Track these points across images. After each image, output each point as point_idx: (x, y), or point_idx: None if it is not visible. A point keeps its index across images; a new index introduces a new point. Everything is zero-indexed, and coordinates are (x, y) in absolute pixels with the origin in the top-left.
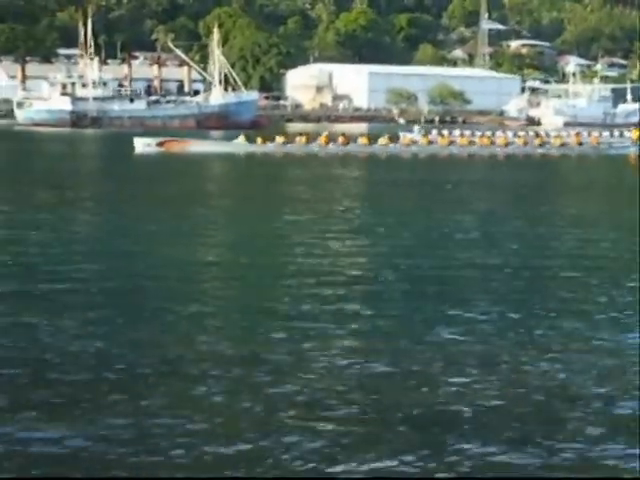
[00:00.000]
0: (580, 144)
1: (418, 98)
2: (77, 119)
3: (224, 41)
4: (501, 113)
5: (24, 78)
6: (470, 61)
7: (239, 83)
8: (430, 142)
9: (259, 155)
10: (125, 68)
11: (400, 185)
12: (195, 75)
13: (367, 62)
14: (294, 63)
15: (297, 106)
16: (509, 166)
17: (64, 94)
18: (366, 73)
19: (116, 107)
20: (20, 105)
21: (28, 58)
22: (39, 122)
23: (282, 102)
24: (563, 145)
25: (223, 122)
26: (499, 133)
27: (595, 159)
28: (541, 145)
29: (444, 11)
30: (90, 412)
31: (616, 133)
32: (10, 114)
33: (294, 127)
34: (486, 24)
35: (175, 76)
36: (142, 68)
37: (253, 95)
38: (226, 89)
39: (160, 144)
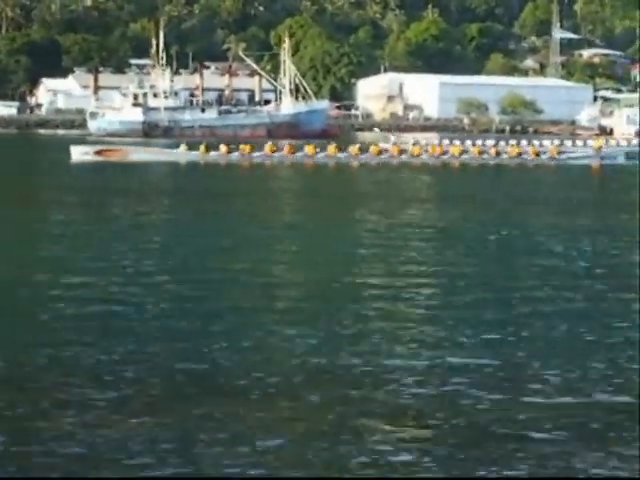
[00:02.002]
0: None
1: (489, 108)
2: (149, 129)
3: (295, 51)
4: (573, 122)
5: (97, 88)
6: (541, 70)
7: (310, 92)
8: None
9: (201, 164)
10: (197, 78)
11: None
12: (266, 85)
13: (438, 72)
14: (365, 73)
15: (368, 116)
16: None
17: (136, 104)
18: (437, 83)
19: (187, 117)
20: (93, 115)
21: (101, 69)
22: (111, 132)
23: (353, 112)
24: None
25: (294, 131)
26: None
27: None
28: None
29: (515, 20)
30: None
31: None
32: (84, 124)
33: (364, 136)
34: (558, 33)
35: (246, 86)
36: (213, 78)
37: (324, 104)
38: (297, 98)
39: (98, 152)
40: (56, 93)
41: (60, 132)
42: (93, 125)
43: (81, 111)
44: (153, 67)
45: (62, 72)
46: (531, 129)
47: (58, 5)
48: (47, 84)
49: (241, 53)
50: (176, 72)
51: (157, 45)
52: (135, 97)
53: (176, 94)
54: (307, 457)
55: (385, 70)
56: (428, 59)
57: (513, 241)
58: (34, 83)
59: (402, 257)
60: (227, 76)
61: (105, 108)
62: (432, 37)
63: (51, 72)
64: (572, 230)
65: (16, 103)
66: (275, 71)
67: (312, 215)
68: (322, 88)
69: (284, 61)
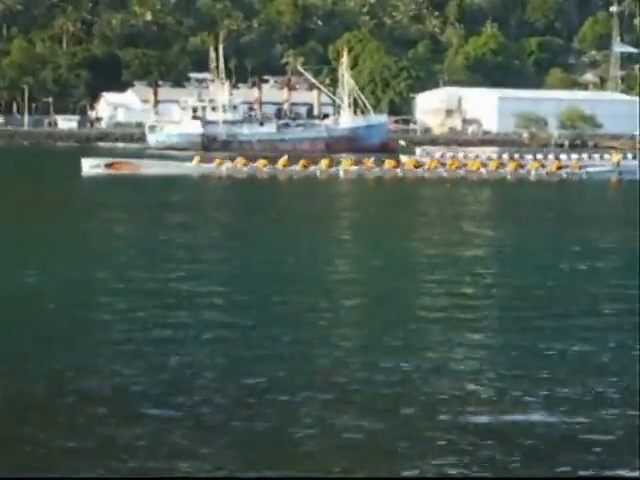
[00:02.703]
0: None
1: (548, 122)
2: (207, 142)
3: (353, 65)
4: (632, 137)
5: (156, 102)
6: (601, 85)
7: (368, 107)
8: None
9: (214, 177)
10: (255, 92)
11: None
12: (325, 99)
13: (497, 86)
14: (423, 87)
15: (426, 130)
16: None
17: (195, 118)
18: (496, 97)
19: (246, 130)
20: (152, 129)
21: (160, 82)
22: (170, 146)
23: (412, 126)
24: None
25: (352, 145)
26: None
27: None
28: None
29: (575, 34)
30: None
31: None
32: (143, 138)
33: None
34: (618, 47)
35: (305, 100)
36: (272, 92)
37: (382, 118)
38: (355, 113)
39: (109, 165)
40: (116, 107)
41: (120, 145)
42: (152, 138)
43: (140, 125)
44: (212, 81)
45: (122, 86)
46: (591, 143)
47: (118, 20)
48: (107, 98)
49: (299, 67)
50: (235, 86)
51: (216, 59)
52: (194, 110)
53: (235, 108)
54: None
55: (444, 84)
56: (487, 73)
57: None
58: (94, 97)
59: (468, 275)
60: (286, 90)
61: (164, 122)
62: (491, 51)
63: (111, 86)
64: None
65: (77, 117)
66: (334, 85)
67: (374, 230)
68: (381, 102)
69: (342, 75)
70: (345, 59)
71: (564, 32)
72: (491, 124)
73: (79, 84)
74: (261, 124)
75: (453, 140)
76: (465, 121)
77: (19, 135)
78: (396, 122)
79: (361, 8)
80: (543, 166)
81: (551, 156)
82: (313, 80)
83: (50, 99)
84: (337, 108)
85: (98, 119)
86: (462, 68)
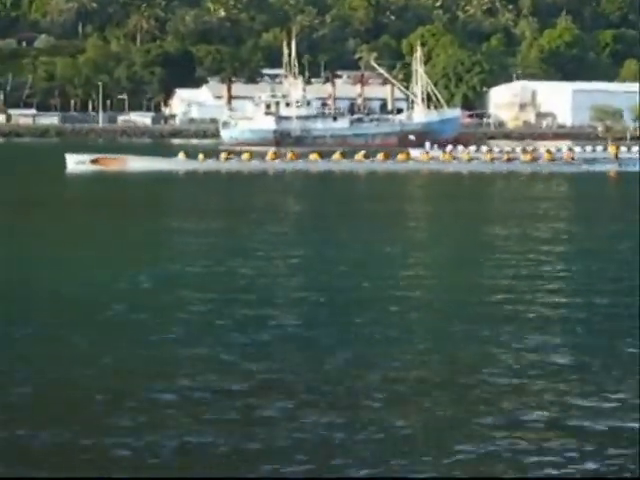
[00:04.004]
0: None
1: (623, 115)
2: (280, 138)
3: (427, 59)
4: None
5: (230, 98)
6: None
7: (441, 101)
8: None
9: (200, 173)
10: (328, 87)
11: None
12: (398, 93)
13: (571, 79)
14: (497, 81)
15: (500, 124)
16: None
17: (268, 113)
18: (570, 90)
19: (319, 126)
20: (225, 125)
21: (234, 79)
22: (243, 141)
23: (485, 120)
24: None
25: (425, 139)
26: None
27: None
28: None
29: None
30: None
31: None
32: (216, 134)
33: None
34: None
35: (378, 94)
36: (345, 87)
37: (455, 113)
38: (429, 107)
39: (95, 161)
40: (190, 103)
41: (193, 141)
42: (225, 134)
43: (214, 121)
44: (285, 76)
45: (195, 82)
46: None
47: (192, 17)
48: (181, 95)
49: (373, 62)
50: (308, 81)
51: (289, 55)
52: (267, 106)
53: (308, 103)
54: None
55: (517, 78)
56: (561, 66)
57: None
58: (168, 94)
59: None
60: (359, 85)
61: (238, 117)
62: (565, 44)
63: (185, 83)
64: None
65: (151, 113)
66: (407, 80)
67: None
68: (454, 96)
69: (416, 70)
70: (419, 53)
71: (639, 24)
72: (565, 117)
73: (153, 81)
74: (334, 119)
75: (527, 134)
76: (539, 115)
77: (94, 132)
78: (470, 116)
79: (434, 2)
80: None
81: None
82: (386, 75)
83: (124, 96)
84: (410, 103)
85: (172, 116)
86: (536, 61)
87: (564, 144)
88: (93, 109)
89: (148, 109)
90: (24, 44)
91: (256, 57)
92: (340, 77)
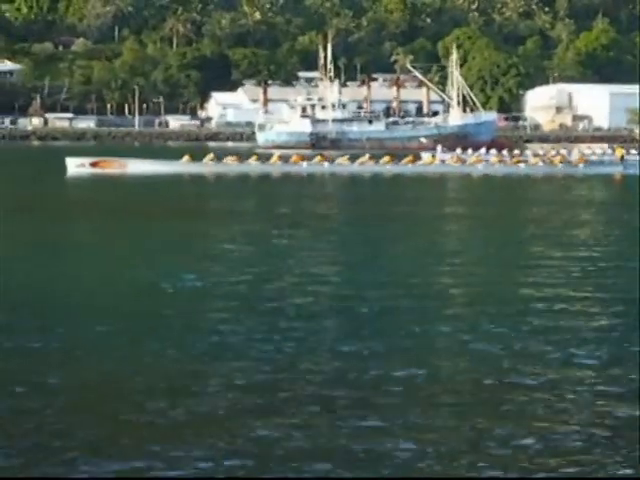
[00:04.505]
0: None
1: None
2: (316, 141)
3: (463, 62)
4: None
5: (266, 101)
6: None
7: (477, 104)
8: None
9: (205, 176)
10: (364, 90)
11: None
12: (434, 96)
13: (608, 81)
14: (533, 83)
15: (536, 127)
16: None
17: (304, 116)
18: (607, 93)
19: (355, 129)
20: (261, 128)
21: (269, 82)
22: (279, 144)
23: (521, 123)
24: None
25: (462, 143)
26: None
27: None
28: None
29: None
30: None
31: None
32: (252, 137)
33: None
34: None
35: (414, 97)
36: (381, 90)
37: (492, 116)
38: (465, 110)
39: (94, 164)
40: (226, 107)
41: (229, 144)
42: (261, 137)
43: (250, 124)
44: (321, 79)
45: (231, 86)
46: None
47: (228, 20)
48: (217, 98)
49: (408, 65)
50: (344, 84)
51: (325, 58)
52: (303, 109)
53: (344, 106)
54: None
55: (554, 81)
56: (598, 69)
57: None
58: (204, 97)
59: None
60: (395, 88)
61: (274, 120)
62: (602, 46)
63: (221, 86)
64: None
65: (187, 117)
66: (443, 82)
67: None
68: (490, 99)
69: (452, 72)
70: (454, 56)
71: None
72: (602, 120)
73: (189, 84)
74: (370, 122)
75: (564, 137)
76: (575, 117)
77: (130, 136)
78: (506, 119)
79: (470, 5)
80: None
81: None
82: (422, 78)
83: (161, 99)
84: (446, 106)
85: (208, 119)
86: (572, 64)
87: (599, 147)
88: (129, 113)
89: (184, 112)
90: (61, 48)
91: (292, 60)
92: (376, 80)
